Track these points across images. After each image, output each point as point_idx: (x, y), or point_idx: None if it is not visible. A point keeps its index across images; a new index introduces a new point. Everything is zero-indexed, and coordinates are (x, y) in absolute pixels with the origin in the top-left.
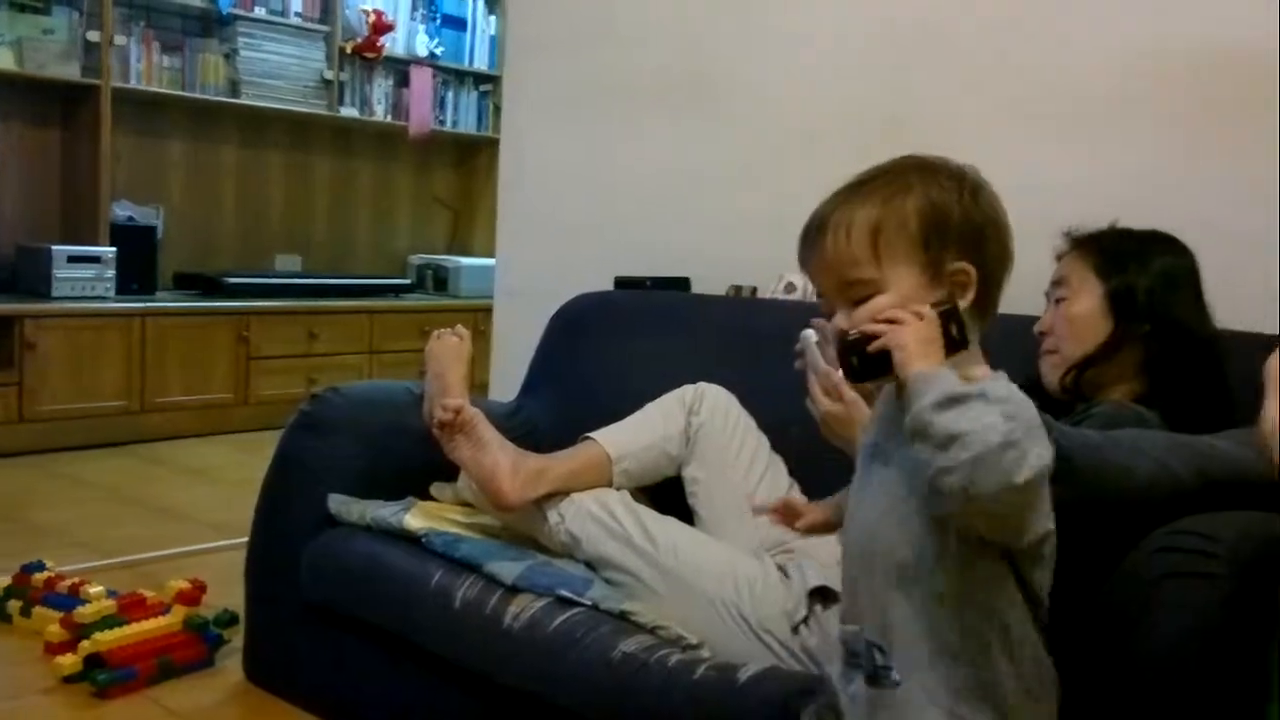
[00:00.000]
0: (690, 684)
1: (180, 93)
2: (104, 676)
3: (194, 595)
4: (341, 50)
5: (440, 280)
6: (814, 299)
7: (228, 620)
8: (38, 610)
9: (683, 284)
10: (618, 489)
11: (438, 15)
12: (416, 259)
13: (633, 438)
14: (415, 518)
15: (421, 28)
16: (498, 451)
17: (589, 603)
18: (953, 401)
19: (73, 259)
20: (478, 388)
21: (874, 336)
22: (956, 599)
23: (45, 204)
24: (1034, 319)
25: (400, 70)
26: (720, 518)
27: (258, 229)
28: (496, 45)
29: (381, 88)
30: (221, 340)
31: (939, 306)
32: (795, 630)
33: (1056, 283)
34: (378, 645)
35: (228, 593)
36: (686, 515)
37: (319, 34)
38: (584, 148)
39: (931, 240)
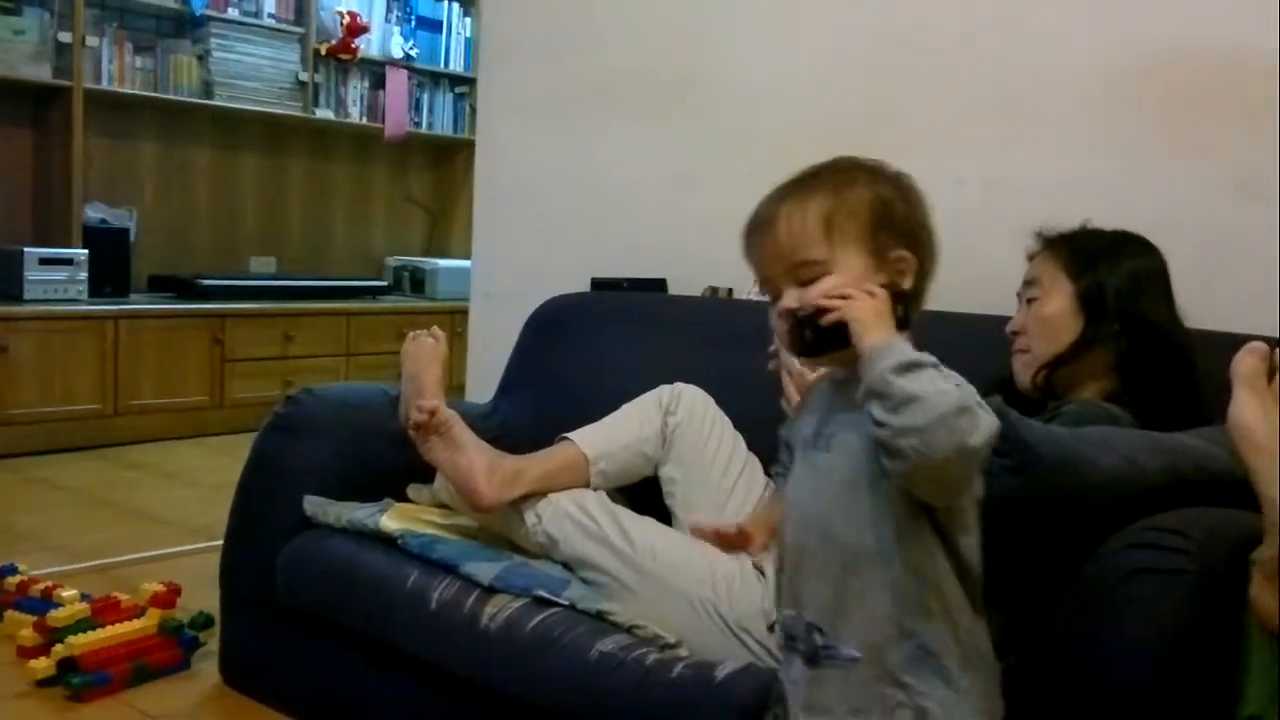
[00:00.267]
0: (667, 682)
1: (153, 94)
2: (78, 680)
3: (169, 598)
4: (316, 52)
5: (417, 282)
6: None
7: (203, 623)
8: (11, 614)
9: (659, 285)
10: (595, 490)
11: (413, 17)
12: (393, 261)
13: (610, 438)
14: (392, 519)
15: (396, 29)
16: (474, 453)
17: (566, 603)
18: (912, 366)
19: (45, 261)
20: (454, 389)
21: (826, 312)
22: (903, 570)
23: (16, 206)
24: (1006, 319)
25: (375, 72)
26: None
27: (232, 231)
28: (472, 47)
29: (357, 89)
30: (196, 343)
31: (888, 287)
32: (772, 628)
33: (1028, 283)
34: (354, 647)
35: (203, 596)
36: (664, 515)
37: (293, 35)
38: (560, 149)
39: (878, 227)
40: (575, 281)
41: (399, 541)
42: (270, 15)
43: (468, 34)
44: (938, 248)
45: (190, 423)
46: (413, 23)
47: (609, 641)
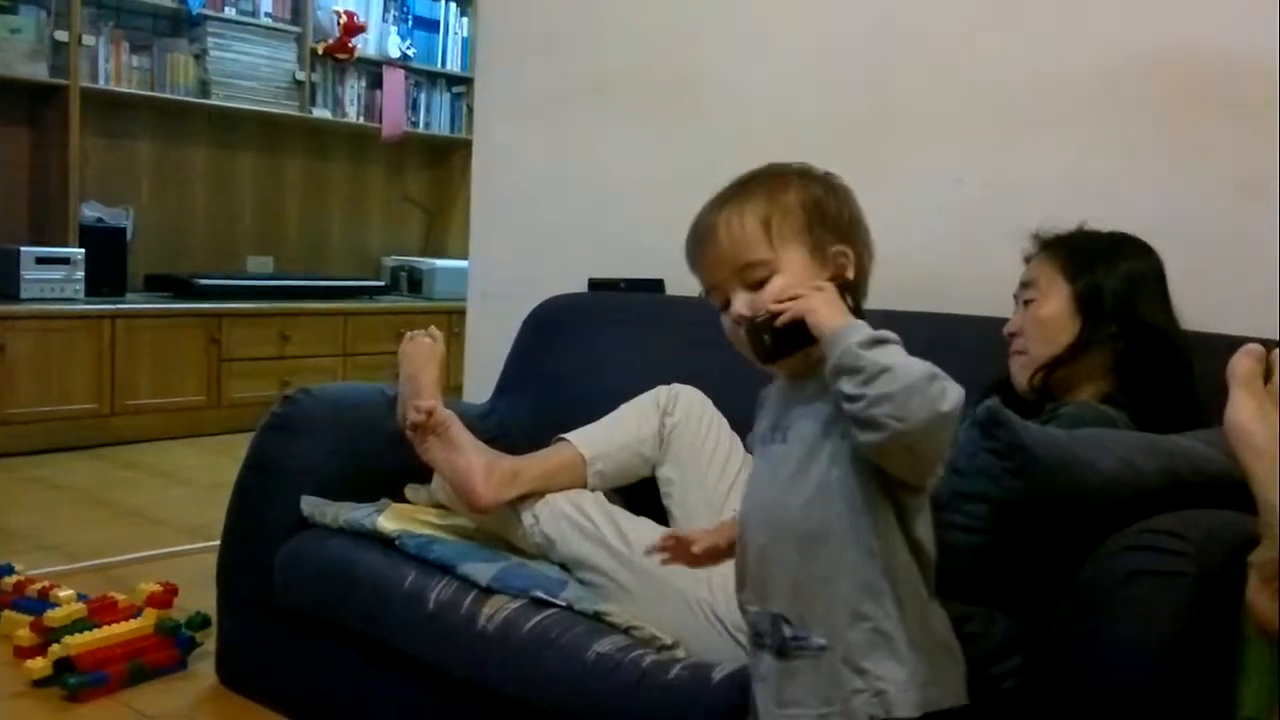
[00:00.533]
0: (664, 683)
1: (149, 93)
2: (75, 680)
3: (165, 598)
4: (313, 51)
5: (414, 282)
6: None
7: (200, 623)
8: (7, 614)
9: (657, 286)
10: (592, 490)
11: (410, 17)
12: (390, 260)
13: (607, 439)
14: (389, 520)
15: (393, 29)
16: (471, 453)
17: (563, 604)
18: (878, 341)
19: (41, 260)
20: (452, 389)
21: (778, 315)
22: (858, 553)
23: (13, 205)
24: (1004, 320)
25: (372, 72)
26: (694, 518)
27: (229, 230)
28: (469, 47)
29: (354, 89)
30: (193, 342)
31: (833, 280)
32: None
33: (1025, 284)
34: (351, 647)
35: (200, 596)
36: (661, 516)
37: (290, 35)
38: (558, 149)
39: (814, 224)
40: (573, 282)
41: (396, 542)
42: (267, 14)
43: (465, 34)
44: (872, 242)
45: (187, 422)
46: (410, 22)
47: (606, 642)
